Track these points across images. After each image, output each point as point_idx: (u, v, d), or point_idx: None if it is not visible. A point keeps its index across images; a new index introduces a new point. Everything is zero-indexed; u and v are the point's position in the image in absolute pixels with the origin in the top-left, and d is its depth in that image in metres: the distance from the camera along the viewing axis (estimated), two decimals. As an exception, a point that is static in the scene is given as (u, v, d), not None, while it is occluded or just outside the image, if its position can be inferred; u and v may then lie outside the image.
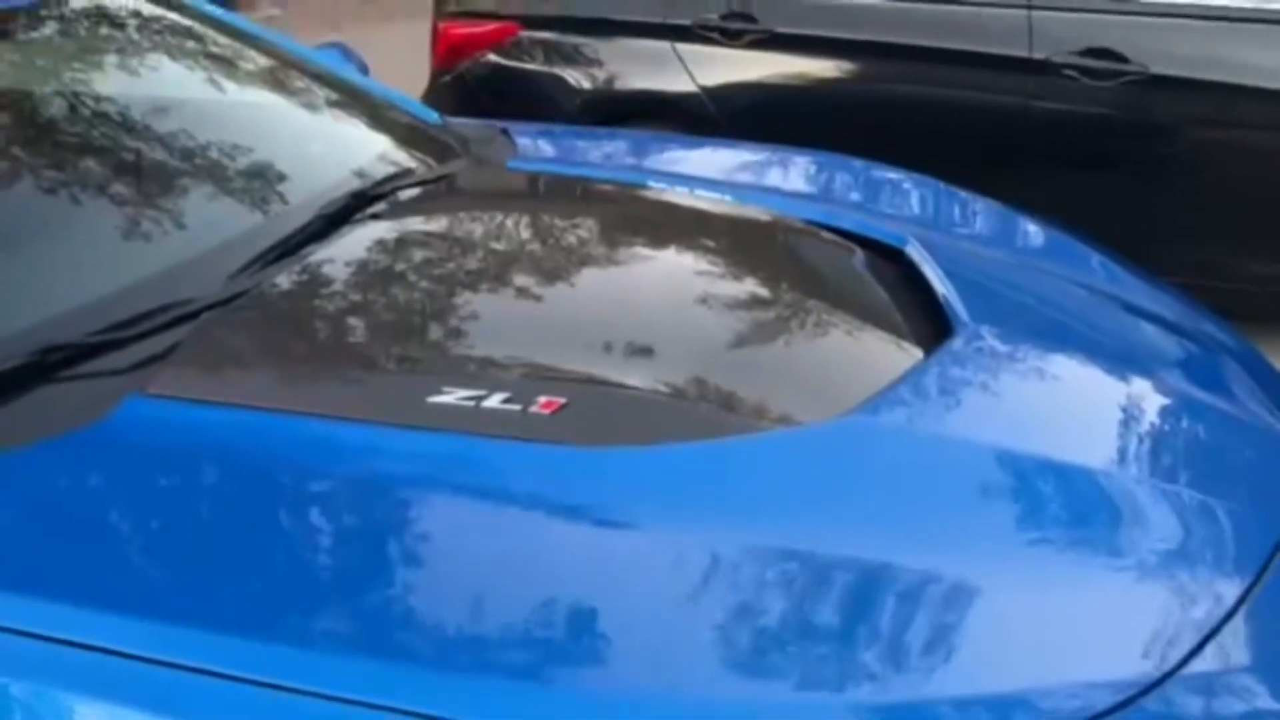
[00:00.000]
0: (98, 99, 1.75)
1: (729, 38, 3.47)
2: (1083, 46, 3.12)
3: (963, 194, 2.07)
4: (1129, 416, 1.41)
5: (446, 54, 3.76)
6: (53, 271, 1.46)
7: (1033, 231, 1.99)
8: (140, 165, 1.67)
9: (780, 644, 0.99)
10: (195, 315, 1.38)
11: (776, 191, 2.01)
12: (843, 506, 1.15)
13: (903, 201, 2.03)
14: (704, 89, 3.45)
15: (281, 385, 1.33)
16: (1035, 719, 0.95)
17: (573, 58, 3.63)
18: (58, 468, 1.14)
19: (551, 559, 1.06)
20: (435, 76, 3.77)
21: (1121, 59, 3.07)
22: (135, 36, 2.02)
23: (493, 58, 3.69)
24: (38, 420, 1.20)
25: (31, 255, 1.48)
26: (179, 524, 1.10)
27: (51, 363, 1.28)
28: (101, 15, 2.02)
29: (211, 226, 1.60)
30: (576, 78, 3.60)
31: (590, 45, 3.61)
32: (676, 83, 3.48)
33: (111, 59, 1.96)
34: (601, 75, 3.59)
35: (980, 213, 2.03)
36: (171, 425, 1.19)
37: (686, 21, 3.49)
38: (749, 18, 3.45)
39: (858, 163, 2.16)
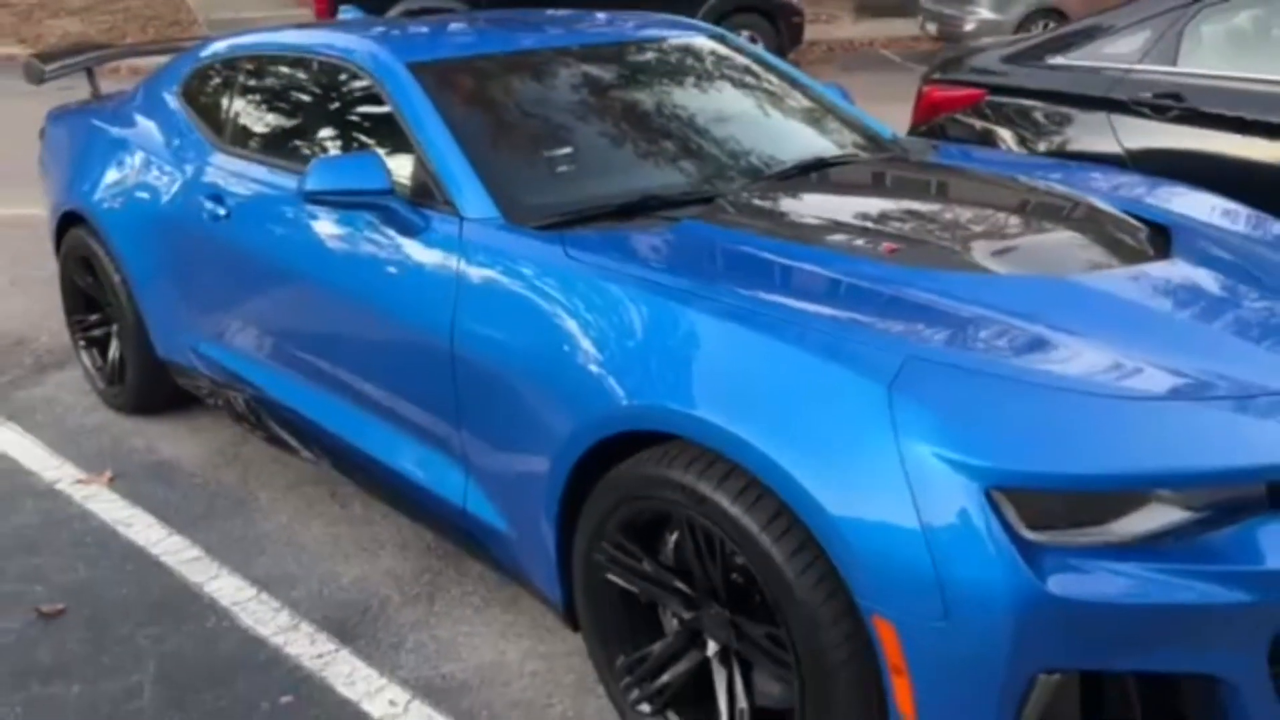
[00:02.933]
0: (700, 99, 3.22)
1: (1156, 112, 4.22)
2: None
3: (1255, 213, 2.83)
4: None
5: (925, 110, 4.86)
6: (661, 171, 2.86)
7: None
8: (715, 134, 3.05)
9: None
10: (721, 196, 2.66)
11: (1110, 193, 2.89)
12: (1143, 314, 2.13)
13: (1199, 206, 2.83)
14: (1128, 151, 4.24)
15: (764, 223, 2.54)
16: None
17: (1024, 120, 4.57)
18: (663, 243, 2.41)
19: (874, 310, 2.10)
20: (912, 129, 4.88)
21: None
22: (724, 69, 3.38)
23: (960, 116, 4.73)
24: (636, 228, 2.48)
25: (653, 168, 2.89)
26: (727, 268, 2.30)
27: (650, 205, 2.62)
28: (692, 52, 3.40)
29: (742, 161, 2.96)
30: (1024, 136, 4.54)
31: (1040, 110, 4.54)
32: (1105, 146, 4.30)
33: (716, 79, 3.38)
34: (1044, 135, 4.50)
35: (1260, 224, 2.79)
36: (707, 233, 2.44)
37: (1123, 97, 4.30)
38: (1178, 97, 4.18)
39: (1185, 185, 2.99)
